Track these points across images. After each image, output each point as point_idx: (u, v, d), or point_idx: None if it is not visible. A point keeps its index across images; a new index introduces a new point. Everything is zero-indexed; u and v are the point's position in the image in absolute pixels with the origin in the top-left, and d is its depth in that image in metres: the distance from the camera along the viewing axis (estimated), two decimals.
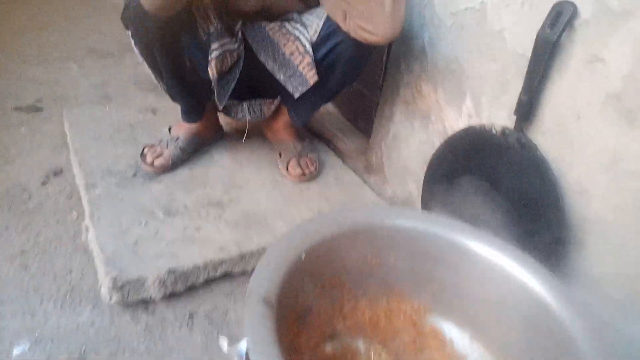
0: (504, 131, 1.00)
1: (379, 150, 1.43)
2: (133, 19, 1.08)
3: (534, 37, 0.90)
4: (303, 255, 0.62)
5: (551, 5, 0.88)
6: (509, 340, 0.67)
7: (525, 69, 0.94)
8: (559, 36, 0.87)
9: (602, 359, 0.53)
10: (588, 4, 0.84)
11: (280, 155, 1.39)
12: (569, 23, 0.86)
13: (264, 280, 0.55)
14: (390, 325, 0.71)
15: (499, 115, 1.04)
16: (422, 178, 1.19)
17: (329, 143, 1.58)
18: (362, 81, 1.59)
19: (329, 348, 0.66)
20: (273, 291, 0.54)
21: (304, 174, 1.34)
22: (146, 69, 1.22)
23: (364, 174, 1.45)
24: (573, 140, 0.90)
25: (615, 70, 0.81)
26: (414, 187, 1.30)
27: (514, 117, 0.98)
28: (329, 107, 1.81)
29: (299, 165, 1.35)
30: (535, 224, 0.94)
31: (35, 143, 1.46)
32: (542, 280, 0.66)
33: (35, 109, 1.65)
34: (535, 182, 0.95)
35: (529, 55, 0.92)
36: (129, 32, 1.13)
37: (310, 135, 1.60)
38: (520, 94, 0.96)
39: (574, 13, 0.86)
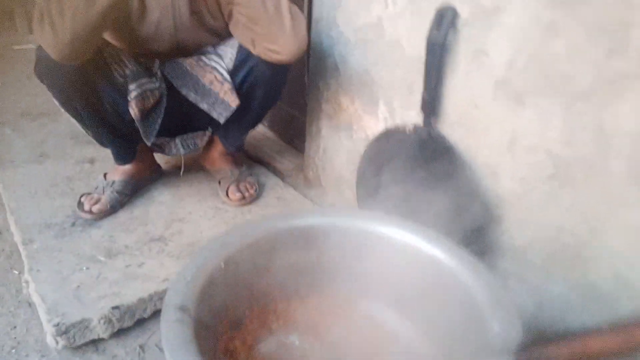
0: (415, 128, 1.08)
1: (314, 165, 1.49)
2: (46, 71, 1.10)
3: (425, 41, 0.99)
4: (222, 265, 0.66)
5: (434, 10, 0.97)
6: (431, 314, 0.72)
7: (423, 72, 1.03)
8: (445, 37, 0.96)
9: (501, 322, 0.58)
10: (465, 4, 0.93)
11: (219, 183, 1.43)
12: (452, 24, 0.96)
13: (179, 291, 0.58)
14: (324, 319, 0.75)
15: (410, 115, 1.12)
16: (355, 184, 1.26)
17: (267, 165, 1.63)
18: (290, 103, 1.67)
19: (263, 348, 0.69)
20: (189, 299, 0.57)
21: (244, 197, 1.38)
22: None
23: (304, 189, 1.50)
24: (475, 127, 0.98)
25: (498, 60, 0.91)
26: (350, 194, 1.36)
27: (422, 115, 1.06)
28: (265, 131, 1.86)
29: (239, 189, 1.39)
30: (456, 207, 1.01)
31: None
32: (454, 256, 0.72)
33: None
34: (449, 169, 1.02)
35: (424, 58, 1.01)
36: (46, 87, 1.15)
37: (249, 160, 1.65)
38: (423, 93, 1.04)
39: (455, 15, 0.95)
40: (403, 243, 0.74)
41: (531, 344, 0.44)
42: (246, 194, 1.39)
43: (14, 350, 0.97)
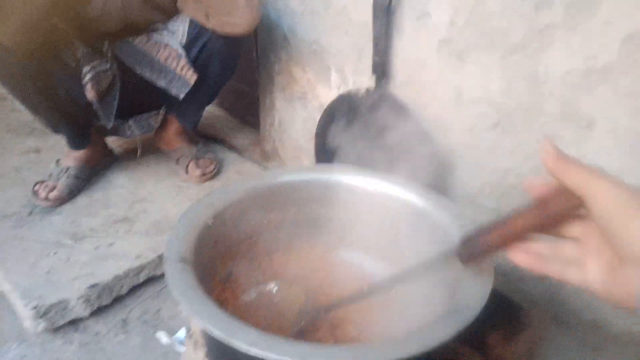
0: (367, 92, 1.14)
1: (271, 137, 1.53)
2: None
3: (371, 6, 1.05)
4: (210, 221, 0.69)
5: None
6: (407, 254, 0.79)
7: (372, 35, 1.09)
8: (390, 1, 1.03)
9: None
10: None
11: (177, 161, 1.43)
12: None
13: (176, 246, 0.61)
14: (305, 268, 0.81)
15: (361, 80, 1.18)
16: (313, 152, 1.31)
17: (223, 142, 1.65)
18: (240, 79, 1.68)
19: (247, 298, 0.74)
20: (187, 252, 0.61)
21: (204, 174, 1.40)
22: (21, 115, 1.20)
23: (262, 162, 1.54)
24: (424, 86, 1.06)
25: (439, 20, 0.98)
26: (309, 162, 1.41)
27: (374, 78, 1.13)
28: (217, 110, 1.87)
29: (198, 166, 1.40)
30: (411, 162, 1.09)
31: None
32: (425, 198, 0.79)
33: None
34: (402, 127, 1.10)
35: (371, 23, 1.07)
36: None
37: (204, 139, 1.66)
38: (373, 57, 1.11)
39: None
40: (377, 192, 0.80)
41: (466, 239, 0.50)
42: (206, 170, 1.41)
43: None
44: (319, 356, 0.49)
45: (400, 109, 1.10)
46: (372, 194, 0.81)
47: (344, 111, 1.21)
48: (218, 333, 0.49)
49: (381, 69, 1.11)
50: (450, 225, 0.71)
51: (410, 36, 1.04)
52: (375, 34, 1.08)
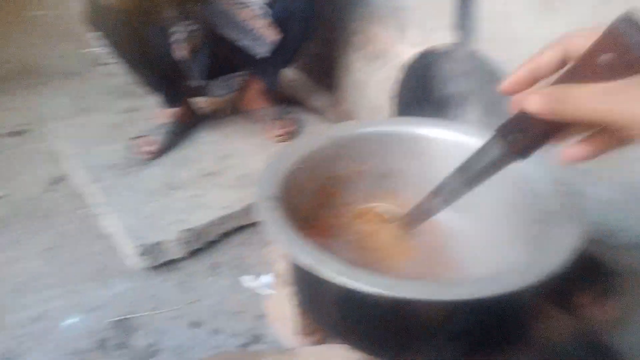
0: (449, 48, 1.12)
1: (348, 98, 1.55)
2: (99, 19, 1.17)
3: None
4: (296, 166, 0.74)
5: None
6: (484, 206, 0.79)
7: None
8: None
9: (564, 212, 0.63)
10: None
11: (259, 122, 1.50)
12: None
13: (267, 185, 0.66)
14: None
15: (442, 37, 1.16)
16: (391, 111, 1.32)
17: (302, 105, 1.70)
18: (319, 42, 1.70)
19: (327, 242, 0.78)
20: (276, 191, 0.66)
21: (284, 133, 1.45)
22: (116, 79, 1.31)
23: (340, 122, 1.57)
24: (508, 40, 1.03)
25: None
26: None
27: (456, 34, 1.10)
28: (295, 73, 1.91)
29: (279, 126, 1.46)
30: (494, 122, 1.07)
31: (29, 161, 1.54)
32: None
33: (19, 132, 1.72)
34: (486, 86, 1.08)
35: None
36: (99, 35, 1.22)
37: (284, 101, 1.71)
38: (455, 11, 1.08)
39: None
40: (457, 143, 0.81)
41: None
42: (286, 130, 1.46)
43: (100, 274, 1.09)
44: (406, 288, 0.51)
45: (483, 66, 1.08)
46: (451, 146, 0.81)
47: (423, 68, 1.20)
48: (307, 261, 0.54)
49: (464, 23, 1.08)
50: (534, 177, 0.70)
51: None
52: None
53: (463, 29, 1.09)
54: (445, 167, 0.83)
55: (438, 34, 1.18)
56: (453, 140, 0.82)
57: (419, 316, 0.57)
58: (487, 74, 1.07)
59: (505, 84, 0.44)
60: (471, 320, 0.56)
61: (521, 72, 0.43)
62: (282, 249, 0.57)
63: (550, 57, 0.41)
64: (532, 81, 0.43)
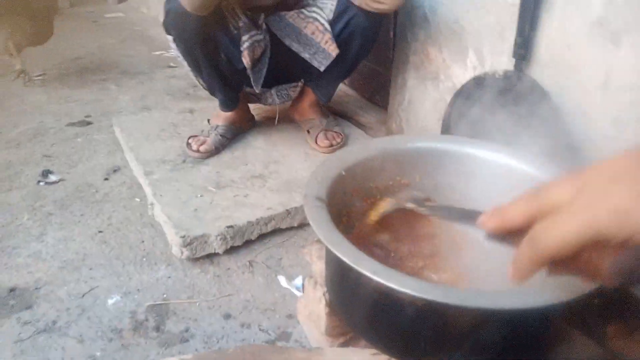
0: (505, 74, 1.12)
1: (398, 116, 1.56)
2: (174, 24, 1.26)
3: None
4: (343, 172, 0.76)
5: None
6: None
7: (517, 16, 1.07)
8: None
9: None
10: None
11: (308, 132, 1.54)
12: None
13: (314, 187, 0.69)
14: (424, 232, 0.84)
15: (500, 62, 1.16)
16: (439, 133, 1.32)
17: (351, 119, 1.73)
18: (374, 60, 1.73)
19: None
20: (323, 193, 0.68)
21: (332, 145, 1.48)
22: (178, 81, 1.38)
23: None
24: (567, 69, 1.02)
25: None
26: None
27: (513, 60, 1.10)
28: (347, 89, 1.95)
29: (327, 137, 1.49)
30: (546, 151, 1.06)
31: (92, 149, 1.65)
32: (540, 166, 0.78)
33: (86, 122, 1.84)
34: (539, 113, 1.07)
35: (519, 2, 1.05)
36: (170, 37, 1.30)
37: (333, 114, 1.75)
38: (516, 38, 1.08)
39: None
40: (498, 163, 0.81)
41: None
42: (334, 142, 1.49)
43: (144, 259, 1.15)
44: (435, 291, 0.52)
45: (538, 92, 1.07)
46: (499, 168, 0.81)
47: (478, 93, 1.20)
48: (345, 259, 0.55)
49: (523, 50, 1.08)
50: None
51: (560, 15, 1.00)
52: (521, 14, 1.06)
53: (522, 56, 1.08)
54: (492, 187, 0.84)
55: (495, 58, 1.18)
56: (502, 162, 0.82)
57: (450, 322, 0.57)
58: (540, 102, 1.06)
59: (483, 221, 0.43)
60: (500, 331, 0.56)
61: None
62: (323, 242, 0.59)
63: (520, 213, 0.40)
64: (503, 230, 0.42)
